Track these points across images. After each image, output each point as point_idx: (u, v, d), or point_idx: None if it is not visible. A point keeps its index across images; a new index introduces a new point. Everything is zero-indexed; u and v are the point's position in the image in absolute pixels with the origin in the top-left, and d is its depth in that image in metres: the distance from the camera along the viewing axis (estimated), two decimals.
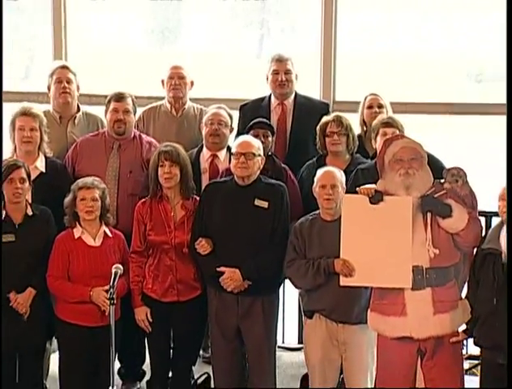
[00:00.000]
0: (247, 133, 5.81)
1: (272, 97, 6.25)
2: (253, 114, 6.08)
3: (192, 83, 6.26)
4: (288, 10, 7.79)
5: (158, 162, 5.52)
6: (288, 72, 6.17)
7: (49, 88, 6.20)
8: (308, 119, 6.04)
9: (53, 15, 7.19)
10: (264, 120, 5.93)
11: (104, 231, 5.55)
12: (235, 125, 6.10)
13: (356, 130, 5.95)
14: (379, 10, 7.30)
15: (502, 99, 7.18)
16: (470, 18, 7.26)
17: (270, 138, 5.82)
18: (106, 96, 6.02)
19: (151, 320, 5.55)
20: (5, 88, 7.22)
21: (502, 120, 7.08)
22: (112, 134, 5.96)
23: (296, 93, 6.24)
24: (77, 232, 5.52)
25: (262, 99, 6.29)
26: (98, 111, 6.17)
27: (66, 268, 5.50)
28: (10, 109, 5.89)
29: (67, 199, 5.50)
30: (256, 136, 5.71)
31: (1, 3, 6.06)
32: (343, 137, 5.76)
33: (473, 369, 5.78)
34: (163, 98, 6.33)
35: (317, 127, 5.81)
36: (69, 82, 6.13)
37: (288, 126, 6.22)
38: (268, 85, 6.23)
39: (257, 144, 5.51)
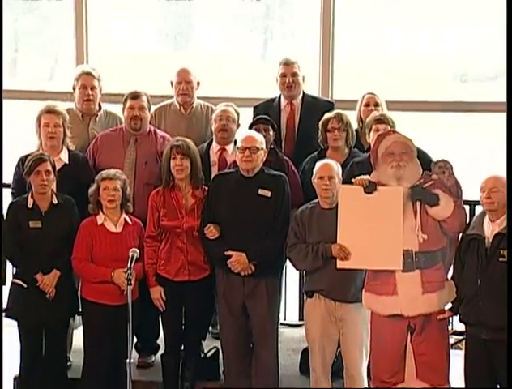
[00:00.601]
0: (250, 128, 5.84)
1: (282, 98, 6.25)
2: (264, 113, 6.08)
3: (198, 84, 6.25)
4: (290, 16, 7.79)
5: (170, 155, 5.55)
6: (294, 75, 6.17)
7: (73, 89, 6.21)
8: (314, 117, 6.01)
9: (75, 21, 7.20)
10: (264, 116, 5.93)
11: (125, 218, 5.58)
12: (242, 121, 6.07)
13: (353, 126, 5.95)
14: (374, 18, 7.29)
15: (485, 97, 7.23)
16: (455, 26, 7.26)
17: (270, 133, 5.82)
18: (123, 95, 6.03)
19: (165, 299, 5.58)
20: (31, 88, 7.30)
21: (486, 117, 7.13)
22: (129, 129, 5.97)
23: (303, 93, 6.25)
24: (100, 219, 5.57)
25: (273, 99, 6.29)
26: (116, 108, 6.17)
27: (89, 251, 5.54)
28: (36, 107, 5.91)
29: (91, 189, 5.55)
30: (257, 131, 5.72)
31: (1, 3, 5.98)
32: (343, 132, 5.77)
33: (458, 344, 5.81)
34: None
35: (320, 123, 5.82)
36: (92, 88, 6.15)
37: (296, 124, 6.22)
38: (277, 87, 6.22)
39: (260, 139, 5.54)
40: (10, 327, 5.83)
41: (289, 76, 6.16)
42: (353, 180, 5.30)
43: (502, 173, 5.15)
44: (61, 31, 7.39)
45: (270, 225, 5.51)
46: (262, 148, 5.52)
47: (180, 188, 5.60)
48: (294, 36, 7.62)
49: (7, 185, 6.07)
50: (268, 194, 5.50)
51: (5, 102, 7.37)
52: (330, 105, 6.18)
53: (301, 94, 6.26)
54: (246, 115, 6.19)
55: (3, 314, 5.78)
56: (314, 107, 6.19)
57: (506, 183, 4.94)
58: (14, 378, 5.87)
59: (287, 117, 6.23)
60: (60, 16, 7.42)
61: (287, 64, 6.18)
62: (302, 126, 6.21)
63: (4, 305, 5.76)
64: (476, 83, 7.87)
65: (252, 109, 6.36)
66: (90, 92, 6.14)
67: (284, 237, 5.49)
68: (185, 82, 6.16)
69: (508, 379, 4.35)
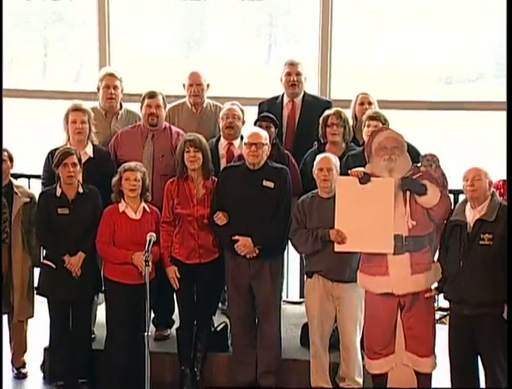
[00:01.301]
0: (254, 125, 5.83)
1: (285, 96, 6.22)
2: (268, 110, 6.09)
3: (208, 86, 6.23)
4: (291, 24, 7.79)
5: (184, 148, 5.55)
6: (298, 74, 6.15)
7: (98, 89, 6.20)
8: (313, 114, 6.01)
9: (98, 29, 7.20)
10: (267, 114, 5.92)
11: (144, 207, 5.58)
12: (246, 118, 6.04)
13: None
14: (368, 27, 7.31)
15: (468, 97, 7.22)
16: (441, 33, 7.26)
17: (272, 129, 5.79)
18: (142, 95, 6.01)
19: (179, 277, 5.59)
20: (60, 88, 7.30)
21: (468, 115, 7.12)
22: (146, 125, 5.96)
23: (304, 92, 6.23)
24: (121, 206, 5.57)
25: (276, 97, 6.27)
26: (136, 107, 6.16)
27: (111, 236, 5.55)
28: (64, 106, 5.91)
29: (114, 179, 5.55)
30: (261, 127, 5.71)
31: (1, 3, 5.92)
32: (341, 128, 5.75)
33: (443, 319, 5.81)
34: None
35: (320, 119, 5.81)
36: (115, 88, 6.14)
37: (296, 120, 6.19)
38: (282, 85, 6.20)
39: (264, 135, 5.54)
40: (41, 303, 5.84)
41: (294, 75, 6.15)
42: (349, 172, 5.32)
43: (483, 164, 5.15)
44: (85, 37, 7.39)
45: (273, 213, 5.51)
46: (266, 144, 5.52)
47: (192, 179, 5.60)
48: (295, 42, 7.62)
49: (38, 176, 6.09)
50: (271, 185, 5.50)
51: (36, 101, 7.46)
52: (328, 104, 6.16)
53: (302, 93, 6.23)
54: (251, 113, 6.17)
55: (35, 291, 5.81)
56: (314, 105, 6.17)
57: (507, 182, 4.91)
58: (45, 349, 5.89)
59: (288, 113, 6.21)
60: (84, 24, 7.43)
61: (292, 64, 6.17)
62: (302, 122, 6.19)
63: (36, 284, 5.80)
64: (460, 85, 7.87)
65: (257, 107, 6.34)
66: (112, 91, 6.13)
67: (286, 223, 5.49)
68: (195, 84, 6.15)
69: (508, 379, 4.24)
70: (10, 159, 5.77)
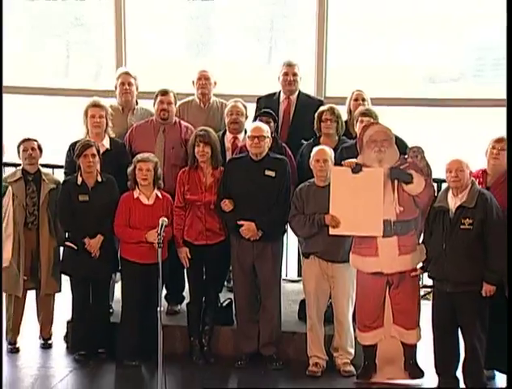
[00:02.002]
0: (254, 120, 5.81)
1: (281, 93, 6.19)
2: (266, 105, 6.06)
3: (215, 83, 6.20)
4: (290, 28, 7.78)
5: (195, 142, 5.53)
6: (295, 74, 6.11)
7: (115, 87, 6.17)
8: (306, 111, 5.99)
9: (115, 32, 7.18)
10: (267, 110, 5.89)
11: (156, 193, 5.57)
12: (249, 113, 6.02)
13: (343, 117, 5.91)
14: (360, 31, 7.32)
15: (450, 95, 7.20)
16: (426, 37, 7.28)
17: (271, 124, 5.76)
18: (155, 93, 5.98)
19: (190, 257, 5.58)
20: (80, 87, 7.29)
21: (450, 111, 7.11)
22: (158, 119, 5.93)
23: (299, 91, 6.19)
24: (136, 193, 5.56)
25: (274, 94, 6.23)
26: (149, 104, 6.14)
27: (127, 219, 5.54)
28: (84, 103, 5.89)
29: (129, 169, 5.55)
30: (261, 121, 5.69)
31: (1, 3, 5.83)
32: (334, 123, 5.72)
33: (427, 296, 5.80)
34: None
35: (316, 114, 5.77)
36: (130, 84, 6.11)
37: (291, 115, 6.16)
38: (279, 83, 6.17)
39: (266, 128, 5.52)
40: (64, 281, 5.84)
41: (290, 75, 6.11)
42: (343, 162, 5.32)
43: (463, 155, 5.13)
44: (104, 40, 7.37)
45: (274, 200, 5.49)
46: (268, 137, 5.50)
47: (202, 168, 5.58)
48: (294, 45, 7.60)
49: (60, 166, 6.06)
50: (273, 174, 5.48)
51: (58, 98, 7.45)
52: (320, 103, 6.12)
53: (298, 91, 6.19)
54: (253, 108, 6.14)
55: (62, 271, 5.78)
56: (307, 103, 6.13)
57: (507, 181, 4.87)
58: (67, 322, 5.89)
59: (284, 109, 6.17)
60: (103, 29, 7.40)
61: (289, 65, 6.13)
62: (296, 117, 6.15)
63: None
64: (443, 84, 7.85)
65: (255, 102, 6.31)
66: (127, 87, 6.11)
67: (286, 209, 5.48)
68: (204, 78, 6.12)
69: (508, 379, 4.17)
70: (40, 149, 5.76)
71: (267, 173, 5.47)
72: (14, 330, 5.83)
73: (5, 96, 7.30)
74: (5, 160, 5.91)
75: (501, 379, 5.33)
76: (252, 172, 5.48)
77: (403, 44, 7.33)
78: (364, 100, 5.97)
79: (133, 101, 6.17)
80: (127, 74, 6.18)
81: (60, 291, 5.88)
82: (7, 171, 6.16)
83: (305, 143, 5.83)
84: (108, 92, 6.32)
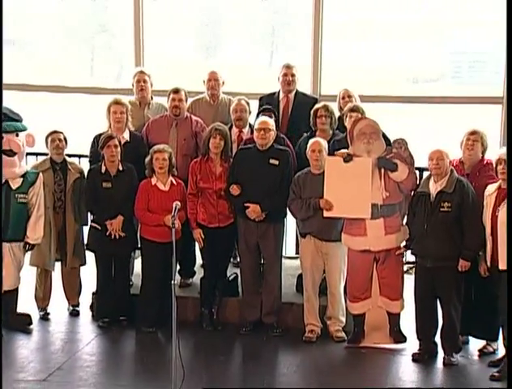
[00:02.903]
0: (258, 115, 5.74)
1: (281, 92, 6.12)
2: (267, 103, 5.99)
3: (223, 83, 6.13)
4: (290, 35, 7.81)
5: (211, 135, 5.47)
6: (292, 75, 6.04)
7: (132, 85, 6.12)
8: (303, 108, 5.93)
9: (134, 38, 7.11)
10: (268, 106, 5.84)
11: (171, 180, 5.53)
12: (252, 109, 5.95)
13: (336, 113, 5.86)
14: (351, 37, 7.35)
15: (430, 93, 7.21)
16: (409, 42, 7.28)
17: (273, 119, 5.67)
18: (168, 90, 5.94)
19: (203, 237, 5.54)
20: (103, 86, 7.27)
21: (430, 108, 7.11)
22: (171, 115, 5.87)
23: (297, 90, 6.12)
24: (153, 180, 5.52)
25: (274, 93, 6.16)
26: (164, 100, 6.07)
27: (146, 203, 5.50)
28: (108, 100, 5.83)
29: (147, 159, 5.51)
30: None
31: (1, 3, 5.73)
32: (328, 118, 5.65)
33: (409, 270, 5.77)
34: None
35: (312, 111, 5.71)
36: (145, 81, 6.05)
37: (289, 112, 6.09)
38: (279, 83, 6.10)
39: (271, 122, 5.48)
40: (90, 257, 5.82)
41: (289, 76, 6.04)
42: (336, 153, 5.29)
43: (443, 146, 5.09)
44: (124, 45, 7.37)
45: (277, 185, 5.44)
46: (272, 129, 5.46)
47: (213, 159, 5.52)
48: (292, 50, 7.59)
49: (85, 156, 6.01)
50: (276, 162, 5.44)
51: (85, 96, 7.43)
52: (315, 100, 6.07)
53: (295, 90, 6.12)
54: (256, 105, 6.08)
55: (85, 247, 5.75)
56: (303, 101, 6.06)
57: (507, 180, 4.78)
58: (93, 293, 5.87)
59: (283, 106, 6.10)
60: (123, 35, 7.39)
61: (288, 67, 6.07)
62: (294, 113, 6.08)
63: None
64: (424, 84, 7.87)
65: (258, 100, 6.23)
66: (143, 84, 6.04)
67: (288, 194, 5.43)
68: (213, 79, 6.07)
69: (508, 380, 4.05)
70: (66, 140, 5.71)
71: (272, 161, 5.43)
72: (44, 298, 5.82)
73: (38, 94, 7.37)
74: (34, 150, 5.87)
75: (474, 344, 5.33)
76: (258, 160, 5.43)
77: (389, 48, 7.38)
78: (350, 97, 5.91)
79: (148, 96, 6.11)
80: (142, 72, 6.12)
81: (84, 264, 5.86)
82: (36, 160, 6.11)
83: (305, 135, 5.78)
84: (129, 91, 6.24)
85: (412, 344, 5.26)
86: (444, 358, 5.12)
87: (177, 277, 5.78)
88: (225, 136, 5.47)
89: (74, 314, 5.88)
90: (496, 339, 5.21)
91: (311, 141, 5.42)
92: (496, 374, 4.88)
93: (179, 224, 4.97)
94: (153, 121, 5.93)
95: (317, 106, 5.73)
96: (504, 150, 5.02)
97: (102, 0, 7.73)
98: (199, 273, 5.88)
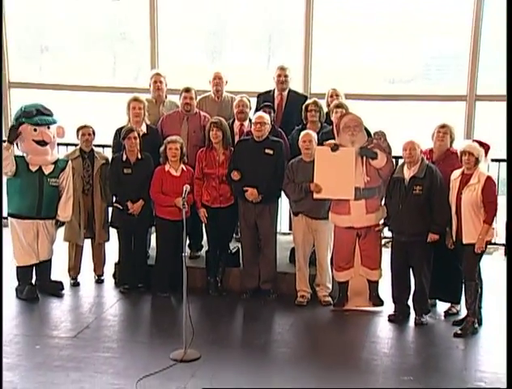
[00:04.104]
0: (258, 110, 5.66)
1: (276, 90, 6.03)
2: (264, 100, 5.90)
3: (226, 82, 6.04)
4: (284, 42, 7.78)
5: (210, 128, 5.41)
6: (286, 76, 5.95)
7: (149, 85, 6.03)
8: (295, 104, 5.84)
9: (150, 44, 7.03)
10: (267, 103, 5.75)
11: (182, 167, 5.46)
12: (252, 105, 5.88)
13: (324, 109, 5.77)
14: (336, 42, 7.28)
15: (405, 92, 7.17)
16: (387, 46, 7.26)
17: (271, 114, 5.63)
18: (180, 89, 5.85)
19: (207, 216, 5.48)
20: (124, 85, 7.21)
21: (406, 104, 7.07)
22: (183, 111, 5.79)
23: (289, 89, 6.03)
24: (167, 167, 5.45)
25: (270, 91, 6.07)
26: (176, 98, 5.99)
27: (160, 187, 5.43)
28: (127, 97, 5.75)
29: (162, 148, 5.44)
30: (263, 111, 5.57)
31: (1, 3, 5.64)
32: (317, 113, 5.57)
33: (386, 244, 5.71)
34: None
35: (303, 106, 5.63)
36: (160, 82, 5.96)
37: (283, 107, 5.99)
38: (274, 82, 6.01)
39: (267, 117, 5.41)
40: (112, 233, 5.77)
41: (283, 76, 5.95)
42: (324, 143, 5.23)
43: (415, 138, 5.01)
44: (141, 50, 7.26)
45: (272, 171, 5.37)
46: (268, 123, 5.38)
47: (216, 149, 5.45)
48: (286, 54, 7.55)
49: (109, 146, 5.92)
50: (271, 152, 5.36)
51: (107, 94, 7.38)
52: (305, 98, 5.99)
53: (288, 89, 6.03)
54: (255, 102, 6.00)
55: (109, 224, 5.69)
56: (295, 98, 5.97)
57: (506, 179, 4.70)
58: (115, 264, 5.83)
59: (278, 102, 6.00)
60: (141, 41, 7.28)
61: (282, 69, 5.98)
62: (287, 109, 5.97)
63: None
64: (399, 84, 7.86)
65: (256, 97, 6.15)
66: (159, 84, 5.96)
67: (282, 179, 5.36)
68: (218, 78, 5.98)
69: (507, 379, 3.79)
70: (94, 133, 5.63)
71: (267, 151, 5.35)
72: (75, 269, 5.79)
73: (67, 92, 7.31)
74: (65, 141, 5.81)
75: (440, 306, 5.31)
76: (255, 150, 5.36)
77: (370, 53, 7.34)
78: (337, 95, 5.83)
79: (163, 95, 6.02)
80: (158, 74, 6.04)
81: (108, 240, 5.81)
82: (67, 150, 6.07)
83: (297, 127, 5.70)
84: (145, 90, 6.16)
85: (388, 307, 5.24)
86: (415, 318, 5.10)
87: (187, 250, 5.68)
88: (222, 127, 5.39)
89: (100, 281, 5.85)
90: (459, 302, 5.21)
91: (302, 133, 5.35)
92: (459, 332, 4.87)
93: (187, 206, 4.89)
94: (167, 116, 5.85)
95: (308, 102, 5.66)
96: (468, 142, 5.01)
97: (123, 12, 7.72)
98: (206, 247, 5.82)
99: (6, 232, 5.54)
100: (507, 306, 4.33)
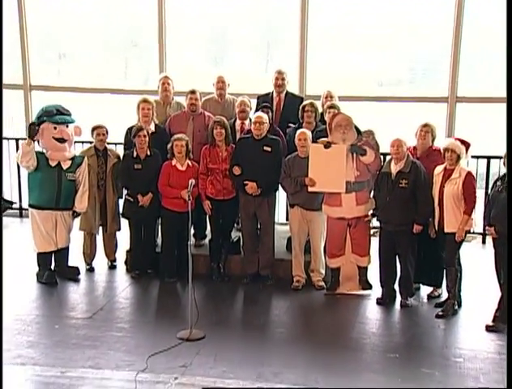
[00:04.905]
0: (257, 111, 5.62)
1: (274, 92, 5.99)
2: (263, 101, 5.85)
3: (228, 85, 5.99)
4: (281, 48, 7.71)
5: (213, 126, 5.37)
6: (283, 79, 5.90)
7: (158, 87, 5.99)
8: (291, 105, 5.80)
9: (159, 51, 6.99)
10: (266, 104, 5.70)
11: (188, 162, 5.42)
12: (253, 106, 5.83)
13: (319, 109, 5.72)
14: (329, 48, 7.19)
15: (392, 94, 7.13)
16: (377, 52, 7.22)
17: (270, 114, 5.56)
18: (186, 92, 5.79)
19: (211, 207, 5.45)
20: (134, 88, 7.17)
21: (393, 106, 7.04)
22: (188, 111, 5.74)
23: (286, 91, 5.98)
24: (173, 162, 5.41)
25: (268, 93, 6.02)
26: (182, 99, 5.94)
27: (167, 180, 5.39)
28: (137, 99, 5.69)
29: (169, 145, 5.40)
30: (262, 111, 5.51)
31: (1, 3, 5.52)
32: (313, 113, 5.52)
33: (375, 234, 5.68)
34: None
35: (300, 107, 5.58)
36: (168, 84, 5.92)
37: (281, 108, 5.95)
38: (273, 85, 5.96)
39: (265, 116, 5.36)
40: (123, 223, 5.73)
41: (280, 79, 5.91)
42: (318, 141, 5.18)
43: (401, 136, 4.98)
44: (151, 56, 7.20)
45: (270, 167, 5.32)
46: (266, 122, 5.34)
47: (219, 146, 5.41)
48: (283, 59, 7.49)
49: (121, 143, 5.88)
50: (269, 149, 5.32)
51: (119, 96, 7.33)
52: (301, 99, 5.94)
53: (285, 91, 5.98)
54: (255, 103, 5.94)
55: (121, 215, 5.66)
56: (292, 99, 5.92)
57: (506, 179, 4.59)
58: (126, 251, 5.79)
59: (276, 103, 5.95)
60: (150, 48, 7.21)
61: (279, 72, 5.93)
62: (284, 109, 5.93)
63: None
64: (387, 87, 7.82)
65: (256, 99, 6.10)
66: (166, 87, 5.92)
67: (279, 174, 5.33)
68: (220, 81, 5.93)
69: (507, 379, 3.71)
70: (107, 133, 5.59)
71: (265, 148, 5.31)
72: (90, 256, 5.77)
73: (84, 94, 7.27)
74: (81, 138, 5.76)
75: (424, 290, 5.28)
76: (254, 147, 5.32)
77: (361, 57, 7.31)
78: (332, 97, 5.79)
79: (170, 97, 5.97)
80: (166, 77, 6.00)
81: (120, 229, 5.78)
82: (82, 147, 6.04)
83: (292, 126, 5.66)
84: (154, 92, 6.11)
85: (376, 291, 5.21)
86: (401, 301, 5.08)
87: (192, 239, 5.70)
88: (224, 126, 5.35)
89: (113, 267, 5.82)
90: (440, 286, 5.19)
91: (298, 131, 5.31)
92: (440, 313, 4.86)
93: (192, 198, 4.85)
94: (174, 116, 5.81)
95: (305, 103, 5.60)
96: (450, 140, 4.98)
97: (134, 21, 7.73)
98: (210, 236, 5.74)
99: (26, 221, 5.52)
100: (507, 306, 4.30)
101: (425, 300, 5.18)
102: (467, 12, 6.40)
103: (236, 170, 5.33)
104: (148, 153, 5.46)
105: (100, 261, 5.81)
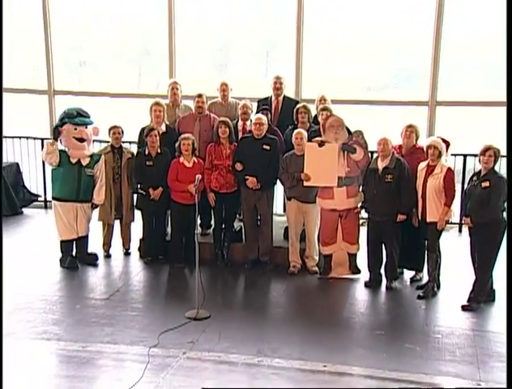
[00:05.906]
0: (257, 113, 5.56)
1: (272, 96, 5.92)
2: (263, 104, 5.79)
3: (231, 89, 5.92)
4: (279, 55, 7.66)
5: (218, 126, 5.33)
6: (281, 83, 5.84)
7: (167, 91, 5.92)
8: (288, 107, 5.72)
9: (169, 59, 6.91)
10: (265, 107, 5.65)
11: (194, 159, 5.37)
12: (253, 109, 5.76)
13: (313, 111, 5.66)
14: (323, 56, 7.16)
15: (379, 98, 7.09)
16: (365, 59, 7.18)
17: (268, 116, 5.51)
18: (193, 95, 5.74)
19: (215, 199, 5.41)
20: (147, 92, 7.13)
21: (381, 109, 7.00)
22: (196, 113, 5.68)
23: (284, 95, 5.91)
24: (181, 159, 5.35)
25: (267, 97, 5.95)
26: (190, 102, 5.88)
27: (175, 176, 5.34)
28: (150, 102, 5.64)
29: (177, 144, 5.35)
30: (262, 113, 5.46)
31: (1, 3, 5.40)
32: (306, 114, 5.46)
33: (363, 224, 5.65)
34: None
35: (294, 109, 5.53)
36: (176, 89, 5.85)
37: (279, 111, 5.88)
38: (271, 89, 5.90)
39: (264, 117, 5.32)
40: (137, 215, 5.67)
41: (278, 84, 5.83)
42: (312, 140, 5.13)
43: (387, 135, 4.93)
44: (162, 64, 7.13)
45: (269, 163, 5.28)
46: (265, 123, 5.29)
47: (223, 143, 5.36)
48: (281, 66, 7.43)
49: (134, 142, 5.83)
50: (268, 148, 5.27)
51: (133, 100, 7.28)
52: (297, 102, 5.87)
53: (283, 95, 5.91)
54: (255, 106, 5.87)
55: (134, 207, 5.61)
56: (289, 103, 5.84)
57: (506, 178, 4.52)
58: (140, 239, 5.75)
59: (274, 106, 5.89)
60: (161, 57, 7.13)
61: (277, 78, 5.86)
62: (282, 111, 5.86)
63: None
64: (375, 91, 7.80)
65: (257, 102, 6.01)
66: (176, 91, 5.86)
67: (277, 169, 5.28)
68: (224, 86, 5.87)
69: (507, 379, 3.28)
70: (122, 132, 5.54)
71: (264, 147, 5.26)
72: (107, 244, 5.73)
73: (101, 98, 7.23)
74: (98, 138, 5.69)
75: (407, 274, 5.26)
76: (255, 146, 5.27)
77: (351, 64, 7.25)
78: (325, 100, 5.72)
79: (179, 100, 5.91)
80: (175, 82, 5.94)
81: (134, 220, 5.74)
82: (100, 146, 5.96)
83: (290, 127, 5.61)
84: (164, 96, 6.03)
85: (364, 275, 5.18)
86: (386, 284, 5.05)
87: (199, 228, 5.65)
88: (228, 125, 5.31)
89: (127, 254, 5.77)
90: (421, 270, 5.16)
91: (295, 131, 5.26)
92: (421, 294, 4.84)
93: (199, 192, 4.80)
94: (182, 117, 5.75)
95: (298, 106, 5.56)
96: (433, 138, 4.94)
97: (146, 33, 7.69)
98: (214, 226, 5.71)
99: (50, 213, 5.48)
100: (507, 305, 4.21)
101: (408, 283, 5.15)
102: (445, 23, 6.34)
103: (239, 166, 5.29)
104: (159, 151, 5.40)
105: (116, 248, 5.77)
